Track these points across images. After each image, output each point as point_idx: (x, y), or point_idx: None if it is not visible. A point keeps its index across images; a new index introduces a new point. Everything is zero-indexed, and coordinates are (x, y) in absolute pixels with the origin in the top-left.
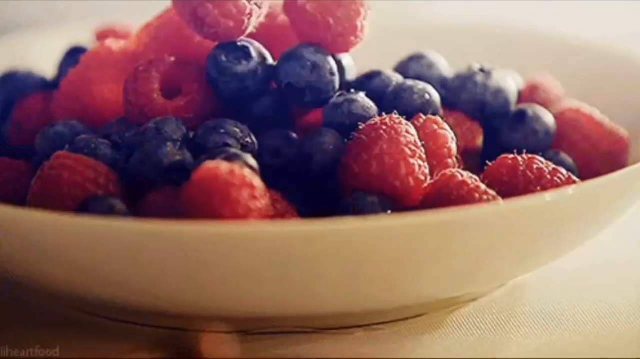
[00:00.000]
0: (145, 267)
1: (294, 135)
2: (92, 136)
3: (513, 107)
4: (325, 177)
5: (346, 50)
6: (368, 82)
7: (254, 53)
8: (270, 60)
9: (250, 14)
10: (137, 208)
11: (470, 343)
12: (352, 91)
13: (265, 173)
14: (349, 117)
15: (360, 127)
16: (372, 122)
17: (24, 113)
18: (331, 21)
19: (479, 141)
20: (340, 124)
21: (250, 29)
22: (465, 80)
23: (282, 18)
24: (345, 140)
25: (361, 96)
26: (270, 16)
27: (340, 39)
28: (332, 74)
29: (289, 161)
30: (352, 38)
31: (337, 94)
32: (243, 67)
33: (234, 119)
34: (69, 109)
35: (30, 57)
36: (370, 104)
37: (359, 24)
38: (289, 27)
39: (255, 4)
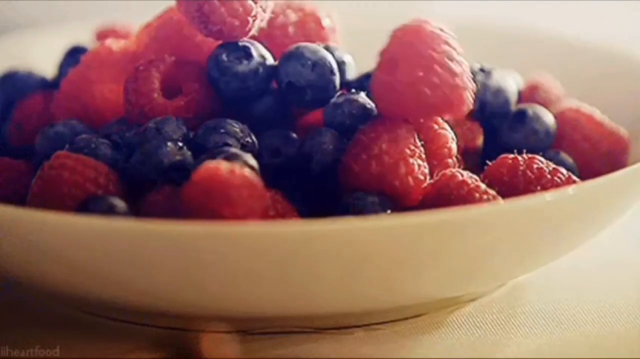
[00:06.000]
0: (145, 268)
1: (294, 135)
2: (92, 136)
3: (513, 107)
4: (325, 177)
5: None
6: (368, 81)
7: (254, 53)
8: (271, 60)
9: (256, 16)
10: (137, 208)
11: (470, 342)
12: (353, 90)
13: (265, 173)
14: (350, 117)
15: (361, 127)
16: (372, 122)
17: (24, 113)
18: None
19: (479, 140)
20: (341, 123)
21: (252, 32)
22: None
23: (282, 18)
24: (346, 140)
25: (362, 96)
26: (270, 16)
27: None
28: (333, 73)
29: (289, 160)
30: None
31: (338, 93)
32: (244, 66)
33: (234, 119)
34: (69, 109)
35: (30, 57)
36: (370, 104)
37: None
38: (288, 27)
39: (260, 7)
